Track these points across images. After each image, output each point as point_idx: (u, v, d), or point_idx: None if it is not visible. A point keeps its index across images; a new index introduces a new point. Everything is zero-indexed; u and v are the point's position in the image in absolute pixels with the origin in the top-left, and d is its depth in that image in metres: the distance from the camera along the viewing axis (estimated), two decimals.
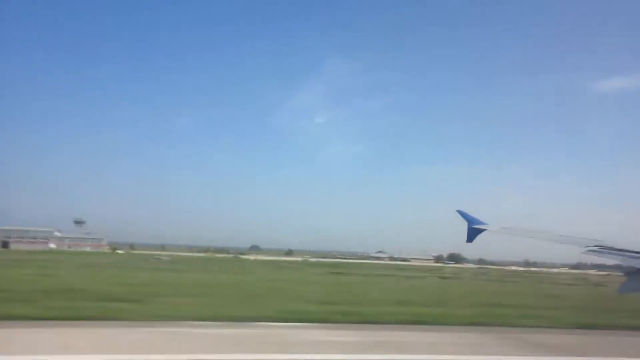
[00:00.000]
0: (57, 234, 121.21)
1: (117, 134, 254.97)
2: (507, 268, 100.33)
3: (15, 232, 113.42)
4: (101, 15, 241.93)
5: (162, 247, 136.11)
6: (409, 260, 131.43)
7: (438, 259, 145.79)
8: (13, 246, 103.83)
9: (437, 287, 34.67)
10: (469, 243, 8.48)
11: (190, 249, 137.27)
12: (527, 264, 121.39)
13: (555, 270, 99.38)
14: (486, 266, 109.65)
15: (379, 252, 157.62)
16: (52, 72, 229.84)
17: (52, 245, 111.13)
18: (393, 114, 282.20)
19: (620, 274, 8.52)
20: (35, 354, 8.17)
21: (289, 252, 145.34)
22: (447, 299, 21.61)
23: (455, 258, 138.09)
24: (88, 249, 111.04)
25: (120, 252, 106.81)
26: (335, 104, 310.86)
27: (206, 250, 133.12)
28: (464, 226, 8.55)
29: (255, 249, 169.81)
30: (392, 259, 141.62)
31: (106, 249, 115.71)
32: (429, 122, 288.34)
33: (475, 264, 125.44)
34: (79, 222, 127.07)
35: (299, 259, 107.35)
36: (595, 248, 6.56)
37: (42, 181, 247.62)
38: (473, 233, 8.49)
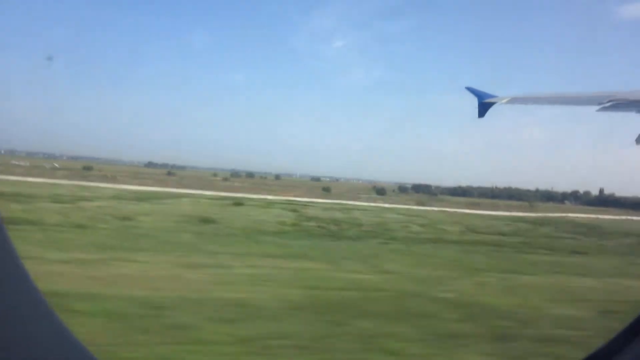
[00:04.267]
0: None
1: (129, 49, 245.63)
2: None
3: None
4: None
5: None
6: None
7: None
8: None
9: None
10: (480, 118, 8.62)
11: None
12: None
13: None
14: None
15: None
16: None
17: None
18: (414, 39, 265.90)
19: None
20: None
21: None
22: None
23: None
24: None
25: None
26: (354, 27, 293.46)
27: None
28: (474, 102, 8.60)
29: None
30: None
31: None
32: (450, 48, 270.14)
33: None
34: None
35: None
36: (610, 104, 6.65)
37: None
38: (484, 107, 8.57)
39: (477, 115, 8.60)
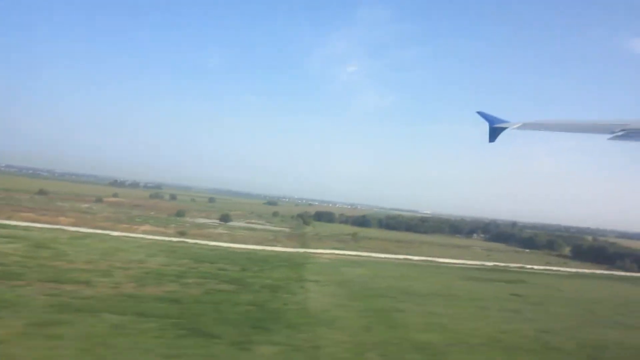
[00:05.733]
0: None
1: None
2: None
3: None
4: None
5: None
6: None
7: None
8: None
9: None
10: (491, 143, 8.55)
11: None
12: None
13: None
14: None
15: None
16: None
17: None
18: (426, 67, 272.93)
19: None
20: None
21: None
22: None
23: None
24: None
25: None
26: (368, 53, 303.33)
27: None
28: (485, 127, 8.56)
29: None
30: None
31: None
32: (462, 77, 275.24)
33: None
34: None
35: None
36: (622, 132, 6.56)
37: None
38: (494, 132, 8.53)
39: (487, 142, 8.56)
